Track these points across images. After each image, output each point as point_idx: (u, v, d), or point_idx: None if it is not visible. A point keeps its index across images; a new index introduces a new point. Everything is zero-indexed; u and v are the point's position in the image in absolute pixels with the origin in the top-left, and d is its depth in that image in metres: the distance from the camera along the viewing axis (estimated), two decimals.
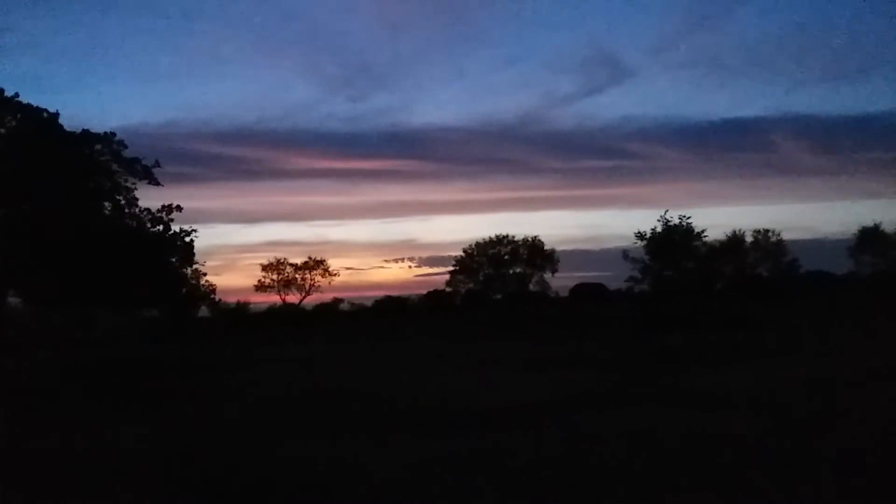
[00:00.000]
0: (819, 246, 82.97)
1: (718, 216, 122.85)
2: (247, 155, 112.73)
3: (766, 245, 68.00)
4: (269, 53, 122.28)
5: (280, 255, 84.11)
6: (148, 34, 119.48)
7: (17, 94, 32.01)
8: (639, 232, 48.60)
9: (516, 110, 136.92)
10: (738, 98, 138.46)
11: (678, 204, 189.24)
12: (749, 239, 67.37)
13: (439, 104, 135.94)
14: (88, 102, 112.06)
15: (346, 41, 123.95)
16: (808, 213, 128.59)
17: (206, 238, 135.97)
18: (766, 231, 68.10)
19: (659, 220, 48.25)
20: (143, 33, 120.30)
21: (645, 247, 48.90)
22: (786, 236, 68.90)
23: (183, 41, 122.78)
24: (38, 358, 33.38)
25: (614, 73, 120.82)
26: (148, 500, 8.98)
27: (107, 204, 34.28)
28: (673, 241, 48.43)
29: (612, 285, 72.74)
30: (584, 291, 73.72)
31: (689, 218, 48.58)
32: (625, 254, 50.18)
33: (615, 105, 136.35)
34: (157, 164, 34.77)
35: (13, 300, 37.54)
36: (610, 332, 37.29)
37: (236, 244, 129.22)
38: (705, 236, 49.80)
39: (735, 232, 66.41)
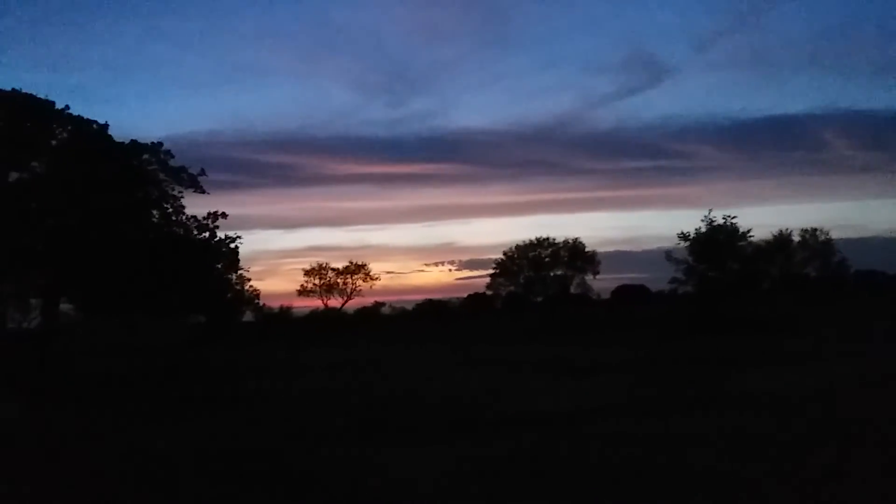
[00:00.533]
0: (869, 244, 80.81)
1: (764, 216, 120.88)
2: (288, 161, 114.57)
3: (814, 244, 66.42)
4: (309, 62, 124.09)
5: (322, 259, 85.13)
6: (191, 45, 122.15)
7: (67, 107, 33.05)
8: (682, 232, 47.78)
9: (554, 112, 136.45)
10: (782, 95, 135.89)
11: (722, 204, 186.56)
12: (796, 238, 65.92)
13: (477, 108, 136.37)
14: (135, 113, 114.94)
15: (384, 48, 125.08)
16: (857, 211, 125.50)
17: (249, 244, 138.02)
18: (814, 230, 66.59)
19: (703, 221, 47.41)
20: (186, 44, 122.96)
21: (688, 247, 48.03)
22: (834, 235, 67.34)
23: (225, 51, 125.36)
24: (92, 364, 34.26)
25: (654, 72, 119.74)
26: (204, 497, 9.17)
27: (155, 212, 35.12)
28: (717, 242, 47.48)
29: (655, 287, 71.97)
30: (627, 293, 73.00)
31: (733, 218, 47.66)
32: (667, 255, 49.24)
33: (655, 105, 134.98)
34: (203, 173, 35.57)
35: (65, 307, 38.66)
36: (654, 335, 36.89)
37: (279, 249, 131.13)
38: (751, 236, 48.64)
39: (781, 231, 65.04)
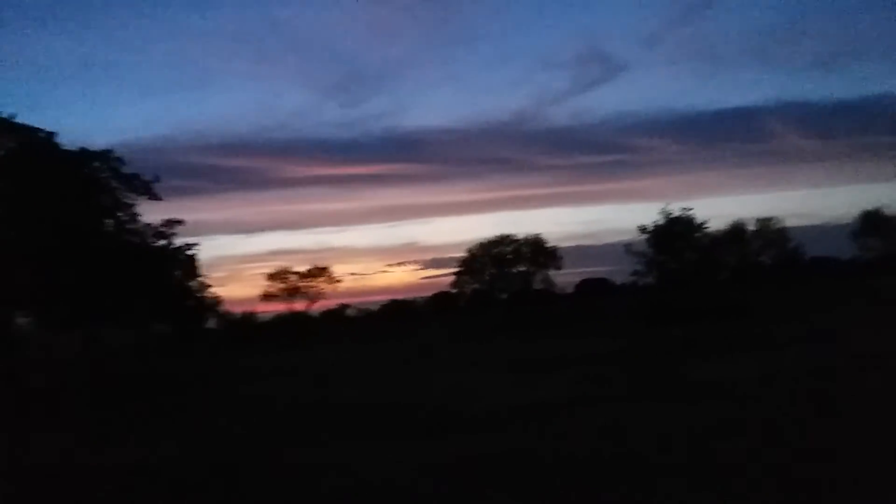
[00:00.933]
0: (822, 232, 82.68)
1: (719, 206, 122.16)
2: (244, 165, 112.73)
3: (769, 233, 67.82)
4: (261, 63, 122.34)
5: (284, 263, 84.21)
6: (139, 50, 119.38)
7: (14, 115, 32.19)
8: (641, 225, 48.59)
9: (511, 109, 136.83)
10: (732, 87, 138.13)
11: (678, 196, 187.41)
12: (751, 228, 67.23)
13: (433, 106, 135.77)
14: (85, 120, 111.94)
15: (337, 48, 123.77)
16: (810, 200, 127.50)
17: (208, 250, 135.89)
18: (768, 219, 67.98)
19: (660, 213, 48.27)
20: (137, 48, 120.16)
21: (648, 240, 48.84)
22: (788, 223, 68.81)
23: (177, 55, 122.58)
24: (51, 377, 33.55)
25: (607, 68, 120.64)
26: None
27: (109, 221, 34.38)
28: (675, 233, 48.37)
29: (617, 280, 72.78)
30: (590, 287, 73.74)
31: (690, 209, 48.61)
32: (627, 247, 49.99)
33: (609, 100, 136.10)
34: (157, 179, 34.91)
35: (21, 321, 37.70)
36: (617, 326, 37.39)
37: (240, 255, 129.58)
38: (707, 227, 49.74)
39: (736, 221, 66.31)
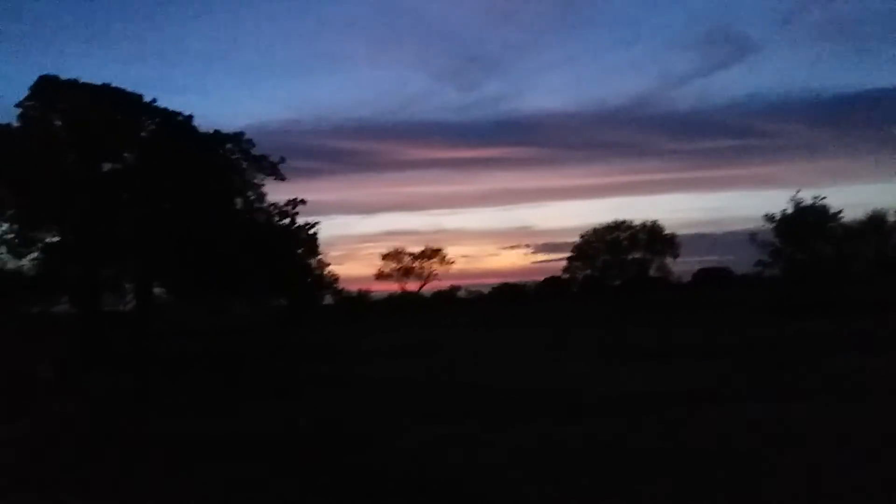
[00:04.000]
0: None
1: (856, 195, 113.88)
2: (364, 148, 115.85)
3: None
4: (382, 48, 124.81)
5: (398, 244, 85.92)
6: (268, 34, 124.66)
7: (154, 99, 34.41)
8: (768, 214, 46.25)
9: (632, 92, 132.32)
10: (872, 68, 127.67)
11: (810, 183, 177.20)
12: (891, 218, 62.47)
13: (551, 89, 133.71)
14: (216, 103, 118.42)
15: (456, 32, 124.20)
16: None
17: (328, 229, 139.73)
18: None
19: (790, 201, 45.78)
20: (263, 34, 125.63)
21: (774, 229, 46.43)
22: None
23: (301, 39, 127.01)
24: (182, 346, 35.95)
25: (736, 48, 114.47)
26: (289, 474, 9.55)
27: (238, 200, 36.21)
28: (805, 223, 45.75)
29: (738, 270, 69.71)
30: (708, 276, 70.99)
31: (823, 198, 45.82)
32: (752, 237, 47.70)
33: (738, 82, 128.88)
34: (283, 160, 36.38)
35: (157, 291, 40.47)
36: (739, 319, 35.86)
37: (356, 234, 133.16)
38: (841, 217, 46.72)
39: (875, 211, 61.79)
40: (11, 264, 33.81)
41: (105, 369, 25.81)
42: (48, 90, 32.58)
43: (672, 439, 10.65)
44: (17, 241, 32.75)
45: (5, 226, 32.61)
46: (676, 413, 12.74)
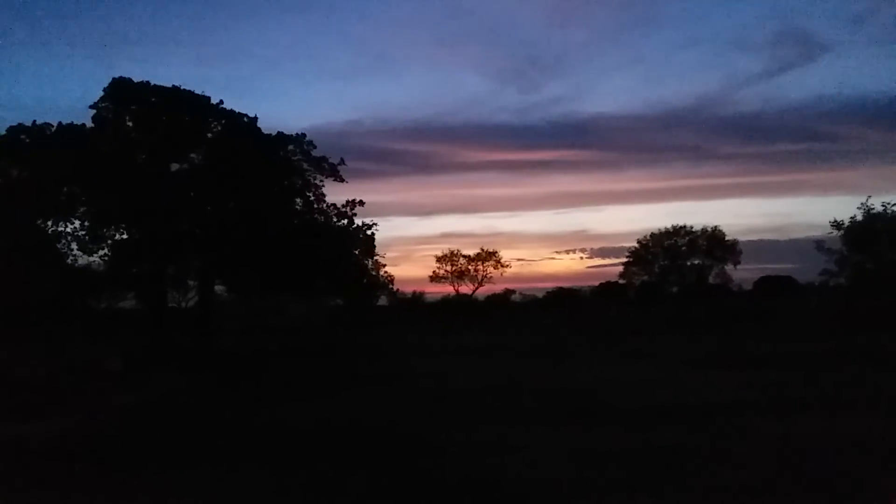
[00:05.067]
0: None
1: None
2: (422, 150, 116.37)
3: None
4: (443, 50, 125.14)
5: (454, 246, 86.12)
6: (329, 36, 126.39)
7: (221, 102, 35.35)
8: (835, 220, 44.78)
9: (695, 94, 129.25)
10: None
11: (880, 190, 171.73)
12: None
13: (612, 92, 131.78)
14: (278, 104, 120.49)
15: (517, 33, 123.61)
16: None
17: (384, 230, 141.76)
18: None
19: (859, 208, 44.23)
20: (324, 36, 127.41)
21: (842, 237, 44.92)
22: None
23: (361, 41, 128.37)
24: (244, 341, 36.76)
25: (806, 48, 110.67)
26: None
27: (298, 200, 36.85)
28: (875, 230, 44.15)
29: (802, 279, 67.71)
30: (771, 284, 69.06)
31: (894, 205, 44.16)
32: (818, 244, 46.24)
33: (807, 84, 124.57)
34: (342, 162, 36.89)
35: (219, 288, 41.49)
36: (803, 329, 34.81)
37: (413, 236, 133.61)
38: None
39: None
40: (82, 261, 35.11)
41: (169, 365, 26.56)
42: (121, 92, 33.77)
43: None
44: (87, 238, 33.98)
45: (77, 223, 33.86)
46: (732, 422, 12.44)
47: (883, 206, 44.29)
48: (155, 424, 14.11)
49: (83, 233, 33.94)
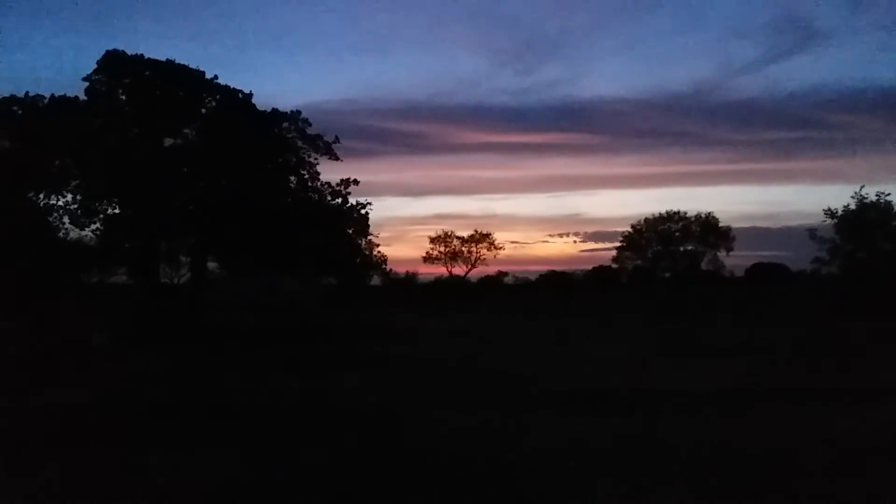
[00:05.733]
0: None
1: None
2: (417, 130, 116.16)
3: None
4: (439, 30, 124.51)
5: (447, 227, 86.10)
6: (324, 14, 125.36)
7: (216, 76, 35.03)
8: (828, 209, 44.94)
9: (692, 79, 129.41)
10: None
11: (875, 179, 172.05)
12: None
13: (609, 76, 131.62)
14: (274, 81, 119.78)
15: (514, 15, 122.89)
16: None
17: (378, 210, 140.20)
18: None
19: (853, 197, 44.42)
20: (319, 13, 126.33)
21: (835, 226, 45.12)
22: None
23: (357, 20, 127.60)
24: (236, 319, 36.72)
25: (803, 35, 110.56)
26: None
27: (292, 178, 36.69)
28: (868, 220, 44.35)
29: (795, 267, 68.06)
30: (763, 271, 69.41)
31: (887, 195, 44.32)
32: (811, 233, 46.43)
33: (804, 71, 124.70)
34: (337, 140, 36.70)
35: (212, 265, 41.40)
36: (794, 316, 34.99)
37: (406, 216, 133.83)
38: None
39: None
40: (73, 234, 34.90)
41: (158, 340, 26.53)
42: (114, 65, 33.45)
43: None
44: (79, 211, 33.73)
45: (68, 196, 33.58)
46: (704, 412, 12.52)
47: (877, 195, 44.55)
48: (130, 404, 14.01)
49: (75, 206, 33.70)
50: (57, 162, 33.11)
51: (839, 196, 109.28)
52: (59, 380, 17.09)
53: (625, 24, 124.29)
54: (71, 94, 33.49)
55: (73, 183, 33.57)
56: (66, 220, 33.94)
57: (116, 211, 34.37)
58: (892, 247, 45.78)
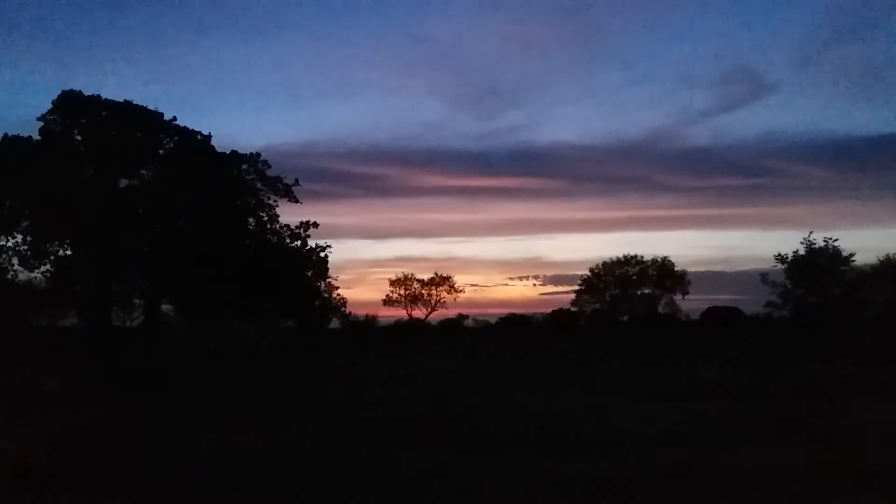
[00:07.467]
0: None
1: (869, 239, 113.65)
2: (379, 173, 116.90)
3: None
4: (402, 75, 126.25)
5: (408, 270, 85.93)
6: (288, 58, 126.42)
7: (175, 118, 34.81)
8: (779, 254, 46.09)
9: (647, 127, 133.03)
10: (890, 112, 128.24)
11: (823, 225, 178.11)
12: None
13: (568, 122, 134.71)
14: (234, 123, 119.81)
15: (475, 61, 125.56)
16: None
17: (339, 252, 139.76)
18: None
19: (802, 242, 45.62)
20: (283, 57, 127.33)
21: (785, 270, 46.23)
22: None
23: (320, 64, 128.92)
24: (191, 364, 35.95)
25: (754, 87, 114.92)
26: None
27: (251, 220, 36.37)
28: (817, 265, 45.54)
29: (749, 310, 69.28)
30: (718, 315, 70.48)
31: (835, 240, 45.64)
32: (763, 277, 47.52)
33: (755, 121, 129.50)
34: (297, 183, 36.58)
35: (166, 307, 40.63)
36: (747, 359, 35.54)
37: (367, 259, 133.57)
38: (853, 261, 46.44)
39: (889, 256, 61.38)
40: (23, 276, 33.99)
41: (110, 387, 25.79)
42: (71, 105, 33.03)
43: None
44: (29, 253, 32.84)
45: (18, 237, 32.69)
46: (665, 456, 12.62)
47: (825, 241, 45.77)
48: (84, 450, 13.56)
49: (25, 248, 32.83)
50: (7, 202, 32.37)
51: (790, 241, 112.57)
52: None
53: (583, 73, 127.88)
54: (24, 134, 32.98)
55: (24, 223, 32.78)
56: (14, 261, 33.08)
57: (68, 252, 33.60)
58: (841, 291, 46.99)
